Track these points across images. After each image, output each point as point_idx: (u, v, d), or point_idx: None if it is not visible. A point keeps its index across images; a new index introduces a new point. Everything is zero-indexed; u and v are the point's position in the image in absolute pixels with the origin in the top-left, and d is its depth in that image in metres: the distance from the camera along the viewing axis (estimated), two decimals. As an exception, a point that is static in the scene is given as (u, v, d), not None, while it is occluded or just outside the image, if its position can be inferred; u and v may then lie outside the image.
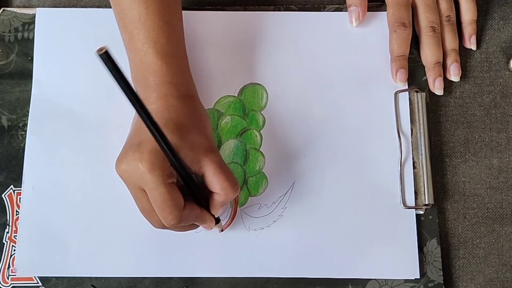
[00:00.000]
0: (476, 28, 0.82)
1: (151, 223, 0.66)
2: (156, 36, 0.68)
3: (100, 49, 0.46)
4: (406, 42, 0.80)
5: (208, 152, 0.63)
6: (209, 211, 0.67)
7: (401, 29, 0.79)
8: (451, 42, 0.81)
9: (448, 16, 0.81)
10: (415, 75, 0.81)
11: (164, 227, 0.65)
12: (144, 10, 0.68)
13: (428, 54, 0.80)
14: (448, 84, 0.81)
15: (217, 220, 0.71)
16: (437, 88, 0.80)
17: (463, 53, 0.83)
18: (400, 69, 0.79)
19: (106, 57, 0.47)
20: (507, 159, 0.79)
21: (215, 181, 0.63)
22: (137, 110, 0.54)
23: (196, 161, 0.63)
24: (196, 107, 0.69)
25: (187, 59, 0.73)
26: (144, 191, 0.62)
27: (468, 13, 0.82)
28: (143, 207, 0.64)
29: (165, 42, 0.68)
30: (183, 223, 0.64)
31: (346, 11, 0.82)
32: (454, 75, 0.80)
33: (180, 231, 0.69)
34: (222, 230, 0.74)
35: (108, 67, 0.48)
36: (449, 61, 0.81)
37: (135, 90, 0.52)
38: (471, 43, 0.82)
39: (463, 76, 0.82)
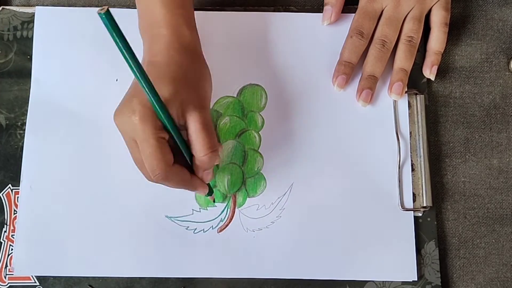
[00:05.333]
0: (440, 60, 0.80)
1: (144, 175, 0.65)
2: None
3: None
4: (358, 51, 0.79)
5: (195, 109, 0.63)
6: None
7: (357, 37, 0.78)
8: (402, 60, 0.79)
9: (410, 37, 0.79)
10: (414, 78, 0.80)
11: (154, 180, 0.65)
12: None
13: (367, 65, 0.79)
14: (448, 85, 0.81)
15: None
16: (362, 100, 0.78)
17: (464, 53, 0.83)
18: (342, 74, 0.78)
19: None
20: (507, 159, 0.79)
21: (193, 140, 0.63)
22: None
23: (183, 117, 0.63)
24: (196, 62, 0.69)
25: (193, 13, 0.73)
26: (137, 142, 0.62)
27: (436, 42, 0.80)
28: (136, 157, 0.64)
29: None
30: (171, 181, 0.64)
31: (346, 13, 0.81)
32: (394, 94, 0.78)
33: (173, 187, 0.67)
34: (220, 231, 0.75)
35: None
36: (394, 78, 0.79)
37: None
38: (431, 72, 0.79)
39: (464, 77, 0.82)
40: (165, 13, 0.68)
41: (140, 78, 0.55)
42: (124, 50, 0.51)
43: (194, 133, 0.63)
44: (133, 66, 0.53)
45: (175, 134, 0.62)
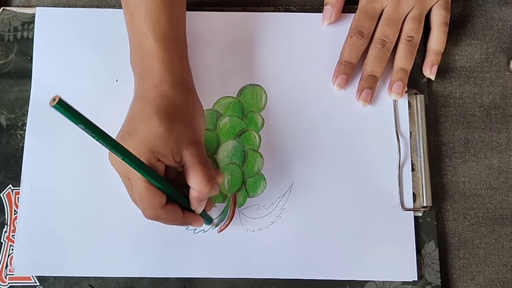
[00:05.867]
0: (440, 60, 0.80)
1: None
2: (156, 18, 0.68)
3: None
4: (358, 50, 0.79)
5: (190, 145, 0.64)
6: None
7: (357, 37, 0.78)
8: (402, 60, 0.79)
9: (410, 36, 0.79)
10: (414, 78, 0.80)
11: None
12: None
13: (367, 65, 0.79)
14: (448, 85, 0.81)
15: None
16: (362, 99, 0.78)
17: (464, 53, 0.83)
18: (342, 74, 0.78)
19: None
20: (507, 159, 0.79)
21: (190, 175, 0.64)
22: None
23: (178, 153, 0.63)
24: (188, 97, 0.69)
25: (186, 45, 0.73)
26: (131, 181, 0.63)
27: (436, 42, 0.80)
28: (132, 195, 0.65)
29: (164, 25, 0.68)
30: (163, 220, 0.65)
31: (346, 13, 0.82)
32: (394, 93, 0.78)
33: (168, 224, 0.68)
34: (220, 231, 0.75)
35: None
36: (394, 77, 0.79)
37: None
38: (431, 72, 0.79)
39: (464, 77, 0.82)
40: (158, 46, 0.67)
41: (114, 151, 0.54)
42: (93, 132, 0.50)
43: (192, 168, 0.63)
44: (106, 143, 0.52)
45: (164, 188, 0.63)
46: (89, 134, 0.50)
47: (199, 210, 0.68)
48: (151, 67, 0.67)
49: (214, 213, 0.75)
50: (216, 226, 0.75)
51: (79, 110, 0.47)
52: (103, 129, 0.51)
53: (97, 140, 0.51)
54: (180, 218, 0.66)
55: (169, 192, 0.63)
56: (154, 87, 0.66)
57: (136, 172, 0.59)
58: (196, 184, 0.63)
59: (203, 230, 0.75)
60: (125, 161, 0.56)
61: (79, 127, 0.48)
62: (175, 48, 0.69)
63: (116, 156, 0.59)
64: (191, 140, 0.64)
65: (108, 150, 0.60)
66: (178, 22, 0.72)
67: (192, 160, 0.63)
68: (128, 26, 0.71)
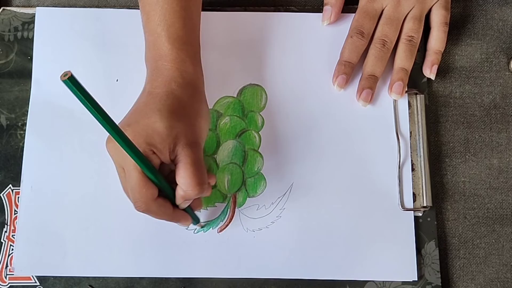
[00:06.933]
0: (440, 60, 0.80)
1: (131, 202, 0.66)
2: (171, 20, 0.68)
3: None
4: (358, 50, 0.79)
5: (187, 145, 0.63)
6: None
7: (357, 37, 0.79)
8: (403, 60, 0.79)
9: (411, 36, 0.79)
10: (414, 78, 0.80)
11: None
12: None
13: (367, 65, 0.79)
14: (448, 84, 0.81)
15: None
16: (362, 99, 0.78)
17: (464, 53, 0.83)
18: (342, 74, 0.78)
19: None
20: (507, 159, 0.79)
21: (180, 174, 0.63)
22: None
23: (174, 151, 0.63)
24: (196, 98, 0.69)
25: (199, 48, 0.73)
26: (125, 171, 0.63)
27: (436, 42, 0.80)
28: (124, 185, 0.65)
29: (179, 27, 0.69)
30: (152, 213, 0.65)
31: (346, 13, 0.82)
32: (394, 93, 0.78)
33: (156, 218, 0.67)
34: (220, 231, 0.75)
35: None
36: (394, 77, 0.79)
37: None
38: (431, 71, 0.80)
39: (464, 77, 0.82)
40: (171, 48, 0.68)
41: (114, 135, 0.54)
42: (97, 113, 0.50)
43: (183, 168, 0.63)
44: (108, 126, 0.53)
45: (157, 180, 0.62)
46: (93, 114, 0.50)
47: (183, 206, 0.67)
48: (163, 66, 0.68)
49: (214, 213, 0.75)
50: (202, 228, 0.75)
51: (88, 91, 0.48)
52: (107, 113, 0.51)
53: (99, 121, 0.51)
54: (170, 213, 0.66)
55: (161, 186, 0.63)
56: (163, 85, 0.66)
57: (131, 162, 0.59)
58: (184, 185, 0.63)
59: (203, 230, 0.75)
60: (122, 147, 0.56)
61: (85, 106, 0.49)
62: (188, 50, 0.69)
63: (113, 144, 0.59)
64: (189, 140, 0.64)
65: (105, 144, 0.60)
66: (193, 25, 0.72)
67: (185, 160, 0.63)
68: (144, 26, 0.71)
